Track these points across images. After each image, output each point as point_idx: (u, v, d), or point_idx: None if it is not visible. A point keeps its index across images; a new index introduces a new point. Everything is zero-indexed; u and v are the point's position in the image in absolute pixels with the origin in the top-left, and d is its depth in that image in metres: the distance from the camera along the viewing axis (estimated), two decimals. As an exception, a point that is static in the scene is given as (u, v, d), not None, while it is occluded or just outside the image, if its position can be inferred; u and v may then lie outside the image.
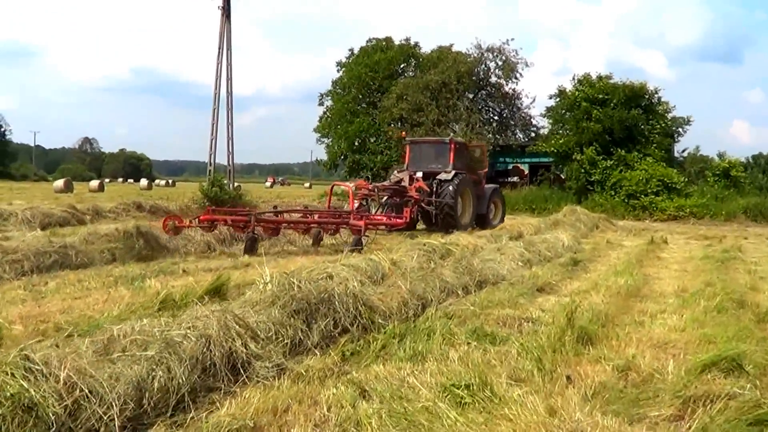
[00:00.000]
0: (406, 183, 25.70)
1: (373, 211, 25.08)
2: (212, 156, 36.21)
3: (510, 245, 16.72)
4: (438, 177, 25.84)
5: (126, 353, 6.00)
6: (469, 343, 8.11)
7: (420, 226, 27.12)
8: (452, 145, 27.05)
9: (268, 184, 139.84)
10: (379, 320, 8.89)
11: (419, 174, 26.19)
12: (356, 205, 24.49)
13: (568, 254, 17.70)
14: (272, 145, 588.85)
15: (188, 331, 6.50)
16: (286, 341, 7.44)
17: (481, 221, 27.73)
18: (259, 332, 7.22)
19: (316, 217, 21.13)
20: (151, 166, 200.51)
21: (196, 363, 6.17)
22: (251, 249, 17.49)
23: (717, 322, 9.57)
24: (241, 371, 6.53)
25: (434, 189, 25.50)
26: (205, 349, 6.38)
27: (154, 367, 5.81)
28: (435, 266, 12.89)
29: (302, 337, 7.70)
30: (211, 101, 36.50)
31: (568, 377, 6.87)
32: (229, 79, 36.83)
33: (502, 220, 29.62)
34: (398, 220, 21.22)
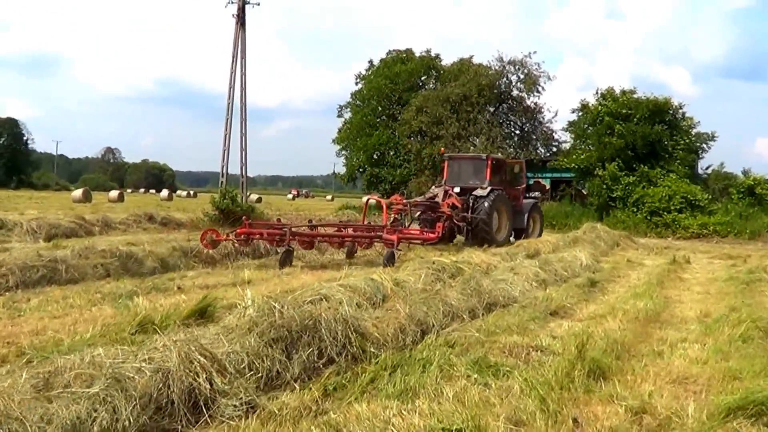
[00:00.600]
0: (440, 198, 26.08)
1: (407, 226, 25.15)
2: (224, 167, 35.71)
3: (524, 264, 15.96)
4: (474, 193, 26.12)
5: (68, 389, 5.29)
6: (468, 377, 7.40)
7: (459, 238, 27.03)
8: (489, 162, 27.27)
9: (290, 196, 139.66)
10: (372, 349, 8.15)
11: (457, 189, 26.42)
12: (391, 219, 24.92)
13: (586, 274, 16.89)
14: (296, 158, 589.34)
15: (143, 364, 5.79)
16: (260, 374, 6.72)
17: (520, 236, 27.63)
18: (227, 365, 6.49)
19: (350, 231, 21.53)
20: (174, 176, 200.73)
21: (149, 401, 5.49)
22: (286, 262, 17.74)
23: (743, 353, 8.78)
24: (204, 410, 5.82)
25: (470, 204, 25.76)
26: (161, 385, 5.69)
27: (97, 406, 5.12)
28: (441, 287, 12.11)
29: (280, 369, 7.00)
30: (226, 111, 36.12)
31: (575, 420, 6.14)
32: (244, 88, 36.33)
33: (540, 234, 29.30)
34: (431, 235, 21.30)
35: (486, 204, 25.57)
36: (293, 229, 19.24)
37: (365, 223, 25.43)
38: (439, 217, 24.88)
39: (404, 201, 26.90)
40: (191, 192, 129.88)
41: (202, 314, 9.38)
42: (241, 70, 36.49)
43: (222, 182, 35.55)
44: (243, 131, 36.75)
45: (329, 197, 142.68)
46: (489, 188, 26.22)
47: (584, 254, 19.15)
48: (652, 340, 9.94)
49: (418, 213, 25.94)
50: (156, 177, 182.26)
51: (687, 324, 11.33)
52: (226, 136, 35.53)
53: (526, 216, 28.70)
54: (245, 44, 36.85)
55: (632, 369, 8.03)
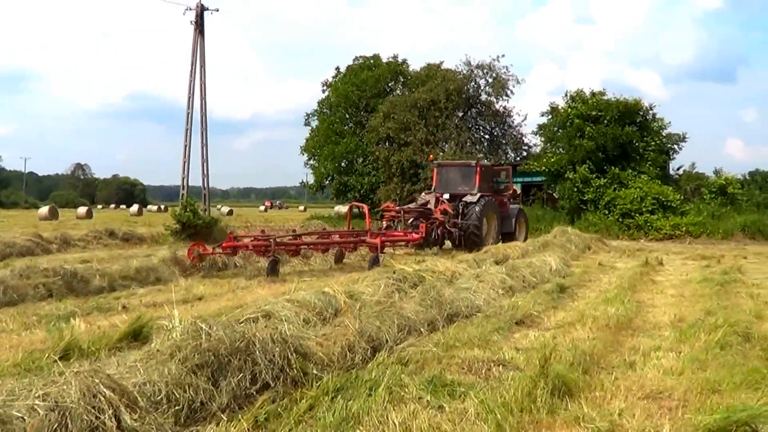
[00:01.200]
0: (432, 205, 26.77)
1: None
2: (185, 179, 34.81)
3: (491, 271, 15.24)
4: (464, 199, 26.70)
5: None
6: (420, 399, 6.66)
7: (447, 245, 27.18)
8: (478, 168, 28.06)
9: (262, 208, 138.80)
10: (314, 371, 7.35)
11: (446, 196, 27.15)
12: (384, 225, 25.71)
13: (555, 279, 16.20)
14: (269, 169, 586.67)
15: (38, 401, 4.98)
16: (180, 406, 5.92)
17: (508, 240, 27.53)
18: (140, 397, 5.65)
19: (337, 237, 22.82)
20: (145, 191, 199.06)
21: (39, 449, 4.66)
22: (273, 271, 18.04)
23: (721, 362, 8.09)
24: (107, 453, 5.02)
25: (460, 210, 26.32)
26: (58, 426, 4.87)
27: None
28: (397, 298, 11.35)
29: (205, 399, 6.17)
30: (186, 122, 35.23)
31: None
32: (203, 97, 35.50)
33: (526, 239, 29.42)
34: (414, 236, 22.21)
35: (476, 210, 26.12)
36: (278, 239, 19.73)
37: (350, 228, 26.23)
38: (431, 224, 25.22)
39: (397, 208, 27.20)
40: (162, 206, 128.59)
41: (136, 337, 8.62)
42: (201, 78, 35.64)
43: (183, 194, 34.60)
44: (204, 142, 35.96)
45: (302, 208, 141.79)
46: (479, 194, 26.77)
47: (554, 259, 18.47)
48: (624, 349, 9.25)
49: (411, 219, 26.05)
50: (127, 192, 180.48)
51: (661, 330, 10.67)
52: (186, 146, 34.72)
53: (513, 221, 29.31)
54: (204, 52, 36.04)
55: (601, 384, 7.33)
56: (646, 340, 9.83)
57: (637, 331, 10.58)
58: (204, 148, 36.05)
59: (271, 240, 19.25)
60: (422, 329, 9.95)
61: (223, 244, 19.11)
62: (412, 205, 27.88)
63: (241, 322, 7.93)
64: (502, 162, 50.31)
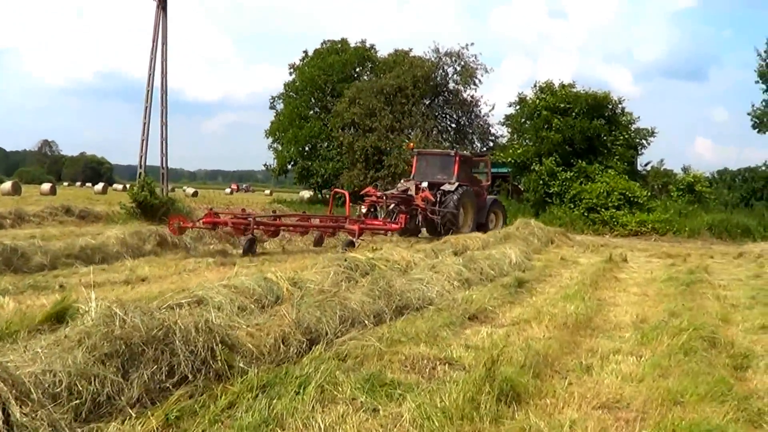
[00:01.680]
0: (412, 192, 27.13)
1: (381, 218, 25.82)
2: (143, 158, 33.95)
3: (447, 262, 14.56)
4: (442, 188, 27.28)
5: None
6: (354, 400, 6.05)
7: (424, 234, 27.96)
8: (457, 158, 28.70)
9: (228, 190, 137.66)
10: (241, 364, 6.67)
11: (425, 184, 27.55)
12: (364, 211, 26.17)
13: (515, 273, 15.59)
14: (238, 152, 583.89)
15: None
16: (83, 399, 5.22)
17: (482, 230, 27.57)
18: (34, 389, 4.94)
19: (317, 221, 23.18)
20: (112, 170, 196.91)
21: None
22: (250, 250, 18.63)
23: (684, 369, 7.45)
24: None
25: (438, 199, 26.76)
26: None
27: None
28: (344, 288, 10.69)
29: (113, 393, 5.48)
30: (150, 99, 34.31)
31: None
32: (165, 74, 34.59)
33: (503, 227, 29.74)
34: (394, 226, 22.78)
35: (454, 198, 26.75)
36: (257, 218, 20.50)
37: (330, 213, 26.35)
38: (412, 210, 25.85)
39: (378, 193, 27.34)
40: (127, 185, 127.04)
41: (60, 319, 7.85)
42: (163, 56, 34.75)
43: (140, 173, 33.79)
44: (163, 120, 34.99)
45: (268, 191, 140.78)
46: (457, 184, 27.41)
47: (514, 251, 17.83)
48: (581, 350, 8.62)
49: (392, 206, 26.08)
50: (94, 170, 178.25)
51: (621, 331, 10.05)
52: (144, 125, 33.77)
53: (486, 211, 29.93)
54: (167, 28, 35.14)
55: (553, 390, 6.69)
56: (606, 341, 9.22)
57: (596, 331, 9.96)
58: (164, 127, 35.16)
59: (251, 219, 19.85)
60: (367, 322, 9.26)
61: (204, 219, 19.75)
62: (393, 191, 28.07)
63: (164, 309, 7.25)
64: (469, 152, 50.05)
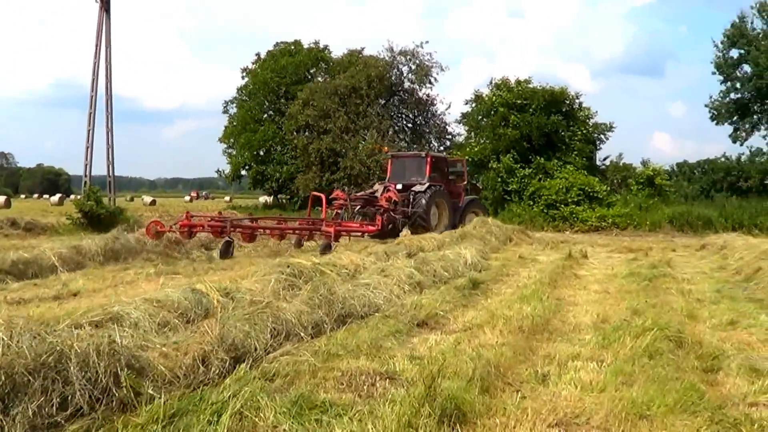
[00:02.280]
0: (379, 193, 27.34)
1: (349, 219, 26.17)
2: (88, 166, 32.93)
3: (397, 264, 13.79)
4: (413, 188, 27.65)
5: None
6: (276, 428, 5.28)
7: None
8: (429, 159, 29.11)
9: (187, 198, 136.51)
10: (150, 390, 5.84)
11: (399, 186, 27.86)
12: (333, 214, 25.93)
13: (470, 274, 14.85)
14: (198, 159, 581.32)
15: None
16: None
17: None
18: None
19: (296, 224, 23.75)
20: (70, 181, 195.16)
21: None
22: (226, 252, 18.97)
23: (650, 375, 6.74)
24: None
25: (411, 200, 27.13)
26: None
27: None
28: (282, 297, 9.88)
29: (-14, 433, 4.67)
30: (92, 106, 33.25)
31: None
32: (109, 78, 33.56)
33: None
34: (371, 228, 23.06)
35: (424, 199, 27.03)
36: (234, 222, 20.82)
37: (309, 216, 26.23)
38: (376, 210, 25.72)
39: (345, 196, 27.54)
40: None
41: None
42: (107, 59, 33.73)
43: (85, 182, 32.78)
44: (108, 126, 34.04)
45: (227, 198, 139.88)
46: (427, 184, 27.74)
47: (470, 251, 17.11)
48: (537, 357, 7.87)
49: (358, 207, 26.67)
50: (51, 182, 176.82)
51: (581, 333, 9.31)
52: (89, 132, 32.75)
53: (463, 211, 30.02)
54: (110, 31, 34.13)
55: (504, 406, 5.93)
56: (564, 345, 8.48)
57: (554, 334, 9.22)
58: (109, 134, 34.17)
59: (227, 222, 20.21)
60: (303, 334, 8.44)
61: (180, 224, 20.09)
62: (359, 194, 28.57)
63: (65, 330, 6.40)
64: (426, 150, 49.70)
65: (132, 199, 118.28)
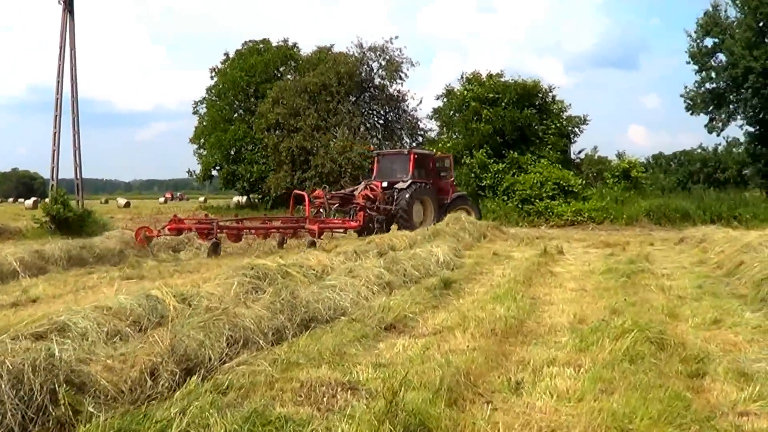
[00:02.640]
0: (358, 191, 27.94)
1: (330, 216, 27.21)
2: (55, 170, 32.17)
3: (366, 265, 13.28)
4: (395, 186, 28.12)
5: None
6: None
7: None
8: (412, 156, 29.40)
9: (162, 199, 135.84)
10: (91, 408, 5.34)
11: (384, 184, 28.34)
12: (315, 212, 26.60)
13: (442, 273, 14.44)
14: (172, 160, 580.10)
15: None
16: None
17: None
18: None
19: (278, 223, 24.44)
20: (45, 184, 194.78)
21: None
22: (214, 252, 19.61)
23: (631, 382, 6.27)
24: None
25: (394, 197, 27.70)
26: None
27: None
28: (242, 301, 9.36)
29: None
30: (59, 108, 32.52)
31: None
32: (74, 80, 32.84)
33: None
34: (352, 224, 24.70)
35: (406, 196, 27.50)
36: (220, 223, 21.56)
37: (292, 215, 27.27)
38: (353, 208, 26.73)
39: (322, 194, 28.09)
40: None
41: None
42: (72, 61, 33.01)
43: (52, 185, 32.13)
44: (75, 129, 33.21)
45: (202, 199, 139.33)
46: (410, 181, 28.19)
47: (442, 249, 16.63)
48: (510, 363, 7.39)
49: (336, 205, 27.53)
50: (27, 186, 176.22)
51: (557, 335, 8.83)
52: (54, 134, 32.00)
53: (448, 208, 29.84)
54: (74, 32, 33.40)
55: (473, 420, 5.44)
56: (539, 349, 8.00)
57: (528, 336, 8.76)
58: (76, 136, 33.40)
59: (214, 223, 20.90)
60: (262, 341, 7.92)
61: (168, 226, 20.53)
62: (337, 192, 29.53)
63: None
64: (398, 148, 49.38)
65: (107, 201, 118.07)
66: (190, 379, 6.31)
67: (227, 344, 7.40)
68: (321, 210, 26.95)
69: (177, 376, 6.35)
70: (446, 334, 8.71)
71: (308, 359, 7.28)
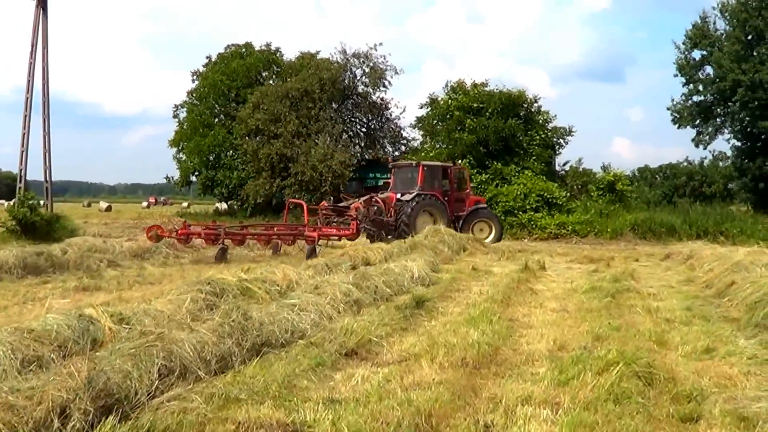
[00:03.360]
0: (355, 204, 28.05)
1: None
2: (23, 171, 31.44)
3: (334, 281, 12.31)
4: (401, 198, 28.57)
5: None
6: None
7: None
8: (420, 168, 29.43)
9: (145, 204, 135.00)
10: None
11: (398, 195, 28.85)
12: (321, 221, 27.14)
13: (416, 289, 13.59)
14: (157, 165, 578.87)
15: None
16: None
17: None
18: None
19: (277, 230, 25.04)
20: (29, 186, 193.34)
21: None
22: (222, 258, 20.55)
23: (615, 429, 5.42)
24: None
25: (401, 209, 28.06)
26: None
27: None
28: (177, 326, 8.40)
29: None
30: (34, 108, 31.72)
31: None
32: (46, 80, 32.02)
33: (497, 240, 30.44)
34: (346, 232, 24.73)
35: (408, 208, 27.79)
36: (227, 229, 22.64)
37: (287, 222, 27.96)
38: (345, 219, 26.69)
39: (321, 207, 29.08)
40: (41, 201, 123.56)
41: None
42: (43, 60, 32.17)
43: (19, 188, 31.30)
44: (46, 130, 32.44)
45: (185, 204, 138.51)
46: (415, 193, 28.36)
47: (417, 263, 15.75)
48: (480, 401, 6.50)
49: (332, 217, 27.76)
50: (10, 187, 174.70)
51: (534, 365, 7.99)
52: (24, 135, 31.20)
53: (465, 220, 29.81)
54: (47, 31, 32.60)
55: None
56: (513, 383, 7.12)
57: (503, 366, 7.88)
58: (46, 137, 32.59)
59: (221, 229, 22.08)
60: (202, 371, 7.00)
61: (179, 232, 21.43)
62: (340, 205, 29.73)
63: None
64: (381, 158, 48.74)
65: (89, 205, 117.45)
66: (106, 419, 5.42)
67: (159, 375, 6.46)
68: (333, 221, 27.31)
69: (91, 416, 5.43)
70: (412, 363, 7.84)
71: (251, 393, 6.41)
